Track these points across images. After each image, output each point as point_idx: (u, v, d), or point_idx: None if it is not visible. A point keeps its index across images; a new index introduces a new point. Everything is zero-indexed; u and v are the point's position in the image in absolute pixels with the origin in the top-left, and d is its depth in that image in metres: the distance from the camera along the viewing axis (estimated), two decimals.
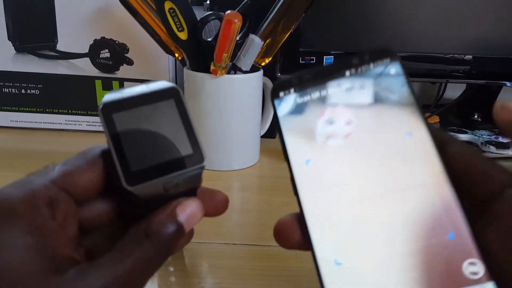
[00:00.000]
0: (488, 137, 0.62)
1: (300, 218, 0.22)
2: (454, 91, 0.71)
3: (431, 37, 0.60)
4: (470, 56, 0.60)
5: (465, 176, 0.20)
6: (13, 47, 0.63)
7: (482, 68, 0.61)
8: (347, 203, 0.21)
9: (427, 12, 0.59)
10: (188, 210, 0.23)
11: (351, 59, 0.22)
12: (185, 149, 0.23)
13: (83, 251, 0.24)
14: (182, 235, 0.22)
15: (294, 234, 0.22)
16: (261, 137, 0.58)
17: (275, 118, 0.23)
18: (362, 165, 0.21)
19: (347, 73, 0.22)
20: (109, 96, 0.23)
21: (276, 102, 0.23)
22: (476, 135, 0.62)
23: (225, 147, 0.53)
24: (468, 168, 0.20)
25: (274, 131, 0.64)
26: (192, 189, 0.24)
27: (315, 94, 0.22)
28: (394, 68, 0.21)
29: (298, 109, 0.23)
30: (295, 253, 0.31)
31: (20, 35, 0.62)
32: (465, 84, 0.70)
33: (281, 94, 0.23)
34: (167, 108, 0.23)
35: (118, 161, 0.21)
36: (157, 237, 0.21)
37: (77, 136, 0.64)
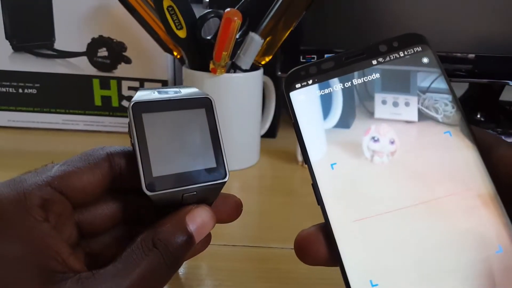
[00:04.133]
0: None
1: (326, 230, 0.19)
2: (456, 90, 0.70)
3: (433, 36, 0.60)
4: (473, 55, 0.60)
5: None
6: (10, 46, 0.62)
7: (485, 67, 0.61)
8: (383, 215, 0.18)
9: (429, 11, 0.59)
10: (198, 219, 0.21)
11: (378, 45, 0.20)
12: (209, 161, 0.22)
13: (82, 255, 0.23)
14: (192, 245, 0.21)
15: (320, 249, 0.19)
16: (261, 137, 0.57)
17: (292, 113, 0.20)
18: (400, 171, 0.19)
19: (374, 62, 0.20)
20: (141, 94, 0.22)
21: (292, 95, 0.20)
22: None
23: (225, 147, 0.52)
24: None
25: (274, 131, 0.63)
26: (208, 200, 0.23)
27: (338, 86, 0.20)
28: (426, 57, 0.19)
29: (318, 103, 0.20)
30: (295, 255, 0.30)
31: (18, 34, 0.62)
32: (468, 84, 0.69)
33: (297, 85, 0.20)
34: (197, 117, 0.23)
35: (141, 164, 0.21)
36: (165, 248, 0.20)
37: (74, 136, 0.63)
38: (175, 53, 0.54)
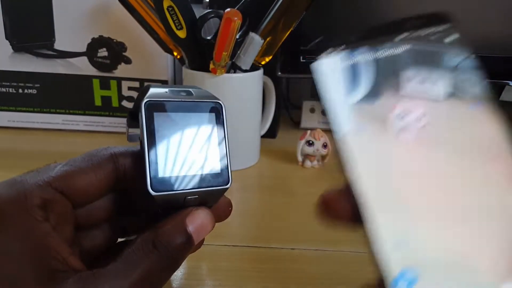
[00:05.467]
0: None
1: (348, 191, 0.18)
2: None
3: None
4: (473, 55, 0.60)
5: None
6: (10, 46, 0.62)
7: (485, 67, 0.61)
8: (414, 182, 0.18)
9: (428, 10, 0.59)
10: (198, 221, 0.22)
11: (407, 21, 0.20)
12: (214, 166, 0.23)
13: (78, 252, 0.23)
14: (191, 246, 0.21)
15: (344, 206, 0.18)
16: (261, 137, 0.57)
17: (319, 83, 0.19)
18: (430, 146, 0.19)
19: (403, 36, 0.20)
20: (153, 92, 0.22)
21: (318, 64, 0.19)
22: None
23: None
24: None
25: (274, 131, 0.63)
26: (209, 204, 0.24)
27: (366, 57, 0.19)
28: (454, 36, 0.20)
29: (345, 74, 0.19)
30: (295, 255, 0.30)
31: (18, 34, 0.62)
32: None
33: (324, 55, 0.19)
34: (207, 121, 0.23)
35: (148, 163, 0.21)
36: (165, 248, 0.20)
37: (74, 136, 0.63)
38: (175, 53, 0.54)
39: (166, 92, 0.23)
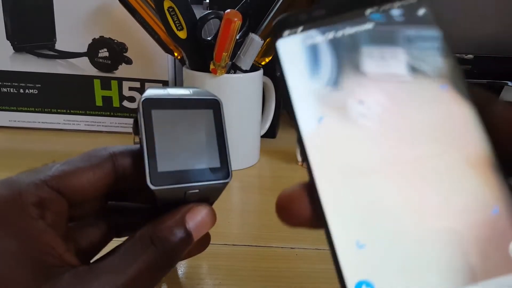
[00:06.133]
0: None
1: (310, 189, 0.17)
2: None
3: None
4: (472, 56, 0.60)
5: None
6: (11, 47, 0.62)
7: (484, 68, 0.61)
8: (371, 174, 0.17)
9: None
10: (198, 217, 0.21)
11: None
12: (213, 161, 0.23)
13: (74, 250, 0.23)
14: (190, 243, 0.21)
15: (303, 207, 0.17)
16: (261, 137, 0.57)
17: (278, 63, 0.18)
18: (390, 131, 0.17)
19: (367, 12, 0.18)
20: (151, 92, 0.22)
21: (279, 43, 0.18)
22: None
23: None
24: None
25: (274, 131, 0.63)
26: (210, 200, 0.24)
27: (328, 36, 0.18)
28: (421, 10, 0.18)
29: (308, 54, 0.18)
30: (296, 254, 0.30)
31: (19, 35, 0.62)
32: None
33: (286, 33, 0.18)
34: (204, 117, 0.23)
35: (147, 158, 0.21)
36: (163, 244, 0.20)
37: (75, 136, 0.63)
38: (175, 54, 0.54)
39: (165, 91, 0.23)
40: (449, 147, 0.17)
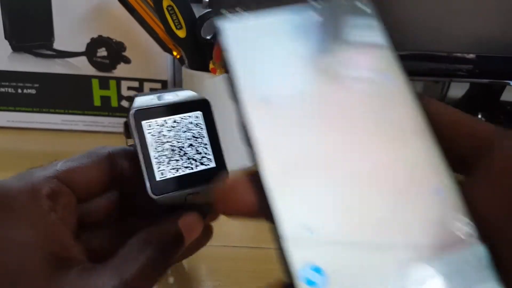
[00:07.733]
0: None
1: (255, 176, 0.16)
2: (457, 90, 0.70)
3: (433, 36, 0.60)
4: (474, 55, 0.60)
5: (449, 132, 0.17)
6: (9, 46, 0.62)
7: (486, 67, 0.60)
8: (319, 154, 0.16)
9: (429, 10, 0.58)
10: (188, 223, 0.23)
11: None
12: (209, 162, 0.23)
13: (81, 247, 0.24)
14: (182, 246, 0.22)
15: (247, 195, 0.16)
16: None
17: (222, 43, 0.17)
18: (336, 108, 0.17)
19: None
20: (140, 101, 0.23)
21: (220, 23, 0.17)
22: None
23: (224, 147, 0.52)
24: (452, 124, 0.17)
25: None
26: (211, 199, 0.24)
27: (269, 20, 0.17)
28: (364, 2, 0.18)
29: (251, 37, 0.17)
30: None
31: (17, 34, 0.62)
32: (469, 84, 0.69)
33: (226, 12, 0.17)
34: (195, 120, 0.24)
35: (145, 169, 0.22)
36: (157, 247, 0.21)
37: (73, 136, 0.63)
38: (174, 53, 0.54)
39: (152, 98, 0.24)
40: (393, 132, 0.17)
